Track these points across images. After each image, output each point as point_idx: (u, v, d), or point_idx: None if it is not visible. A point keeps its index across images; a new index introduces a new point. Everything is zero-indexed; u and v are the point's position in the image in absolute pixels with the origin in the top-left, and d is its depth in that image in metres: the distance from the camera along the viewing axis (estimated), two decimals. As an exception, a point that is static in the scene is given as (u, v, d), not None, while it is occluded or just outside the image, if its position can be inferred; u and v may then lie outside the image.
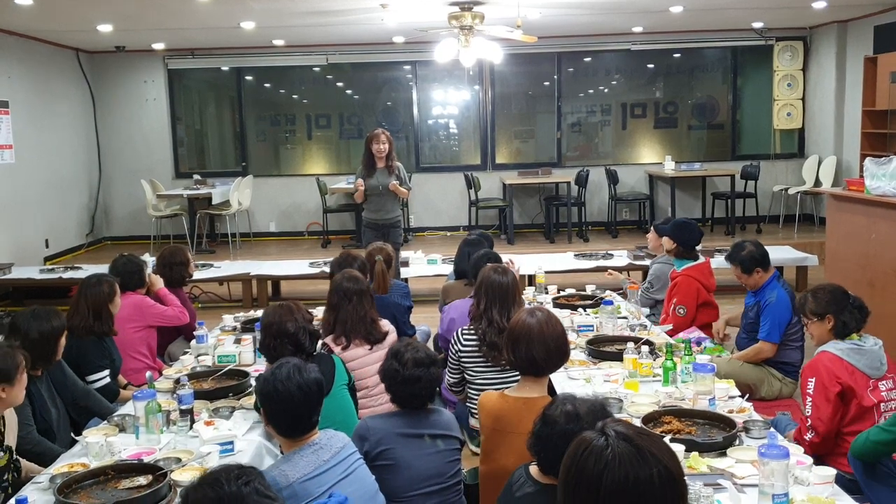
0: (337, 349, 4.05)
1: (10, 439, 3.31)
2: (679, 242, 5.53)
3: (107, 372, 4.33)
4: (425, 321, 6.16)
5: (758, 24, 11.55)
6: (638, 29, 11.56)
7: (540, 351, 3.10)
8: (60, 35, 10.57)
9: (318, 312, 5.35)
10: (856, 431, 3.34)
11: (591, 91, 12.94)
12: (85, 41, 11.23)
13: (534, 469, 2.52)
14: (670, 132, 12.85)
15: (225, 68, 12.65)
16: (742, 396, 3.64)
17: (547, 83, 12.74)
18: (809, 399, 3.54)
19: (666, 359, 3.86)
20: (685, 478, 1.75)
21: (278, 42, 11.67)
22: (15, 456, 3.30)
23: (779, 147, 12.44)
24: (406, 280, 7.65)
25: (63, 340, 3.81)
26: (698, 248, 5.65)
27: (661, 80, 12.90)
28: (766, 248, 4.88)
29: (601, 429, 1.77)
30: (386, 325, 4.32)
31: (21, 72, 10.25)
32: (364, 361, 4.07)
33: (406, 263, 8.29)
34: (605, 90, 12.99)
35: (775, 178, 12.13)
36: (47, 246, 10.76)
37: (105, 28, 9.72)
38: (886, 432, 3.09)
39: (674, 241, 5.56)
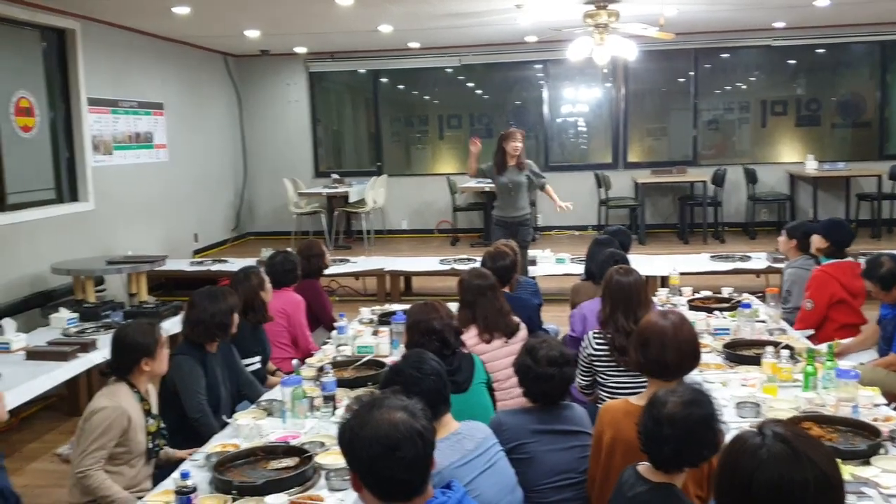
0: (480, 343, 4.12)
1: (155, 408, 3.60)
2: (831, 241, 5.32)
3: (258, 358, 4.58)
4: (553, 320, 6.14)
5: (911, 17, 10.93)
6: (779, 24, 11.14)
7: (672, 354, 3.04)
8: (211, 40, 11.17)
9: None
10: None
11: (728, 88, 12.58)
12: (232, 46, 11.82)
13: (643, 468, 2.49)
14: (812, 130, 12.33)
15: (362, 70, 13.03)
16: (888, 405, 3.50)
17: (682, 80, 12.46)
18: None
19: (807, 364, 3.75)
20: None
21: (413, 44, 11.91)
22: (162, 424, 3.57)
23: (932, 146, 11.74)
24: (534, 278, 7.66)
25: (236, 317, 4.08)
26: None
27: (803, 77, 12.41)
28: None
29: (759, 428, 1.75)
30: (516, 318, 4.37)
31: (174, 75, 10.86)
32: (497, 355, 4.12)
33: (534, 262, 8.31)
34: (744, 87, 12.60)
35: (928, 178, 11.44)
36: (196, 240, 11.35)
37: (252, 33, 10.21)
38: None
39: (826, 239, 5.35)
